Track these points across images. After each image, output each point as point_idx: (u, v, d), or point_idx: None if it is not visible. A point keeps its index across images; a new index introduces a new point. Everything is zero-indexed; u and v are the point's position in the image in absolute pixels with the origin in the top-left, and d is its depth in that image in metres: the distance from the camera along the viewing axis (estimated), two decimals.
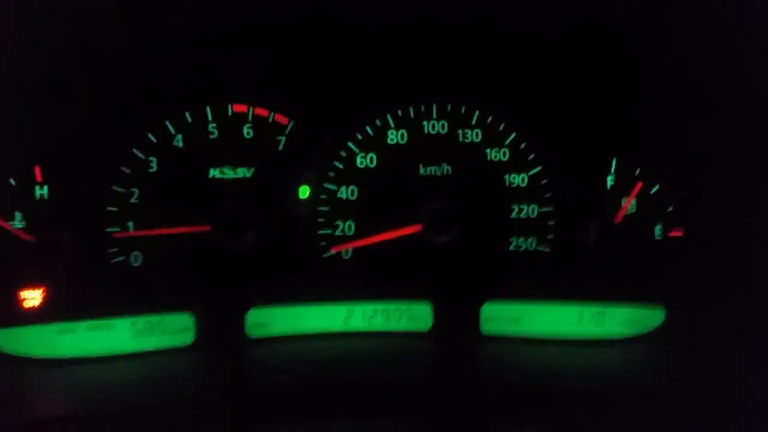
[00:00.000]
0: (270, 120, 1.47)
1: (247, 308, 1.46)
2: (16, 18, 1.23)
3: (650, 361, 1.43)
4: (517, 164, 1.48)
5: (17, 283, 1.39)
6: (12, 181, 1.38)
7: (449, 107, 1.48)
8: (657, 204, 1.46)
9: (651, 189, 1.46)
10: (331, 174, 1.49)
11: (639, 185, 1.46)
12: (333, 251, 1.49)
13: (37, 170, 1.39)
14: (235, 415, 1.23)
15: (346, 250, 1.49)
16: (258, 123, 1.47)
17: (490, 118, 1.48)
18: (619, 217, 1.46)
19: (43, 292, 1.40)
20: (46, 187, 1.40)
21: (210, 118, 1.46)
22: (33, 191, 1.39)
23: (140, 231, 1.43)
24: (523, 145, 1.48)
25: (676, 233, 1.46)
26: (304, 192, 1.48)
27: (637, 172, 1.46)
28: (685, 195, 1.45)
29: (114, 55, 1.38)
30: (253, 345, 1.45)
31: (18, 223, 1.38)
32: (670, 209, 1.46)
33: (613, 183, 1.47)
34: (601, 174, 1.47)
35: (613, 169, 1.47)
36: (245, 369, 1.42)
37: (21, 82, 1.36)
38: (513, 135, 1.48)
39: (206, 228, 1.44)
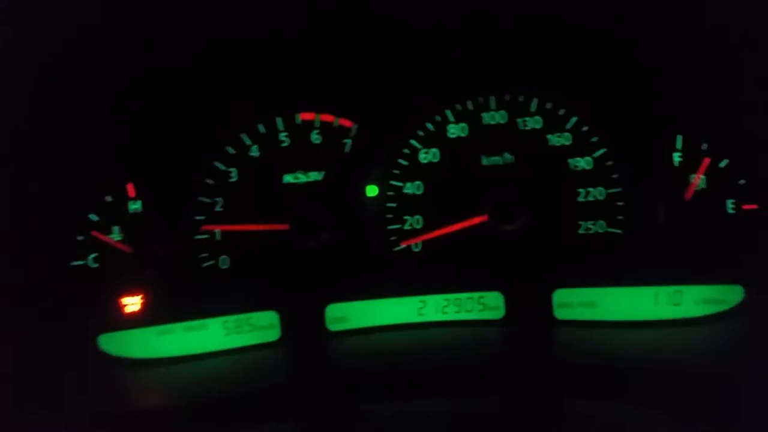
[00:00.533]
0: (335, 125, 1.55)
1: (326, 304, 1.53)
2: (104, 47, 1.35)
3: (730, 340, 1.40)
4: (580, 148, 1.49)
5: (119, 291, 1.51)
6: (108, 198, 1.52)
7: (507, 97, 1.51)
8: (727, 178, 1.43)
9: (720, 163, 1.44)
10: (397, 171, 1.54)
11: (707, 160, 1.44)
12: (402, 245, 1.54)
13: (130, 187, 1.52)
14: (320, 402, 1.30)
15: (416, 243, 1.54)
16: (325, 128, 1.55)
17: (549, 105, 1.50)
18: (689, 194, 1.44)
19: (142, 298, 1.52)
20: (139, 202, 1.52)
21: (281, 127, 1.55)
22: (127, 206, 1.52)
23: (225, 225, 1.53)
24: (585, 129, 1.49)
25: (749, 206, 1.43)
26: (372, 190, 1.55)
27: (704, 147, 1.44)
28: (757, 167, 1.41)
29: (191, 76, 1.49)
30: (334, 338, 1.53)
31: (116, 236, 1.51)
32: (742, 182, 1.43)
33: (680, 159, 1.45)
34: (667, 151, 1.46)
35: (679, 146, 1.45)
36: (328, 360, 1.50)
37: (110, 107, 1.49)
38: (574, 119, 1.49)
39: (284, 228, 1.53)
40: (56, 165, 1.45)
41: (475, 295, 1.52)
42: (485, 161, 1.52)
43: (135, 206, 1.52)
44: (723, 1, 1.31)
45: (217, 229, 1.53)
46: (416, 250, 1.55)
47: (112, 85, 1.46)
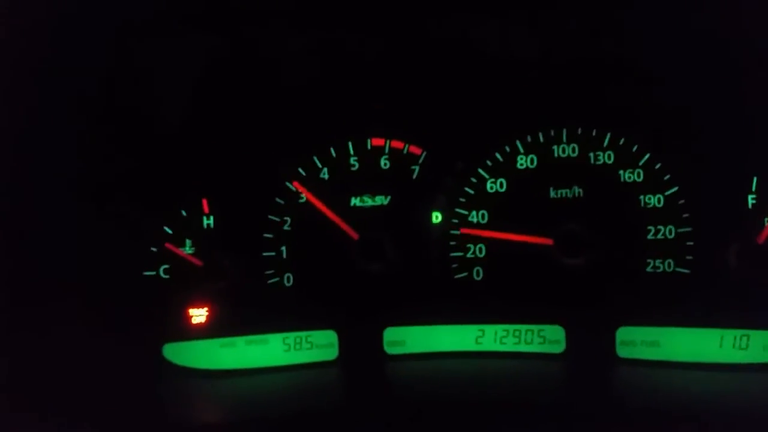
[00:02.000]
0: (405, 151, 1.57)
1: (384, 327, 1.55)
2: (180, 71, 1.42)
3: None
4: (652, 185, 1.47)
5: (187, 302, 1.56)
6: (184, 212, 1.57)
7: (580, 131, 1.51)
8: None
9: None
10: (462, 199, 1.55)
11: None
12: (463, 231, 1.54)
13: (205, 203, 1.57)
14: (374, 427, 1.31)
15: (478, 271, 1.55)
16: (394, 154, 1.57)
17: (622, 140, 1.48)
18: (762, 238, 1.41)
19: (208, 310, 1.56)
20: (212, 218, 1.57)
21: (351, 152, 1.58)
22: (201, 221, 1.57)
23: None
24: (658, 166, 1.47)
25: None
26: (437, 217, 1.56)
27: None
28: None
29: (269, 100, 1.55)
30: (391, 361, 1.54)
31: (188, 249, 1.56)
32: None
33: (754, 202, 1.42)
34: (742, 193, 1.43)
35: (754, 188, 1.42)
36: (384, 383, 1.50)
37: (190, 124, 1.55)
38: (647, 156, 1.48)
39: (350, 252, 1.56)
40: (138, 179, 1.51)
41: (536, 327, 1.51)
42: (553, 194, 1.51)
43: (208, 221, 1.57)
44: None
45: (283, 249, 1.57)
46: (477, 278, 1.55)
47: (196, 104, 1.53)
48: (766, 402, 1.32)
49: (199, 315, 1.56)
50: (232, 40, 1.42)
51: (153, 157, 1.53)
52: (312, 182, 1.58)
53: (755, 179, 1.42)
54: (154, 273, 1.55)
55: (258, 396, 1.45)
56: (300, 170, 1.59)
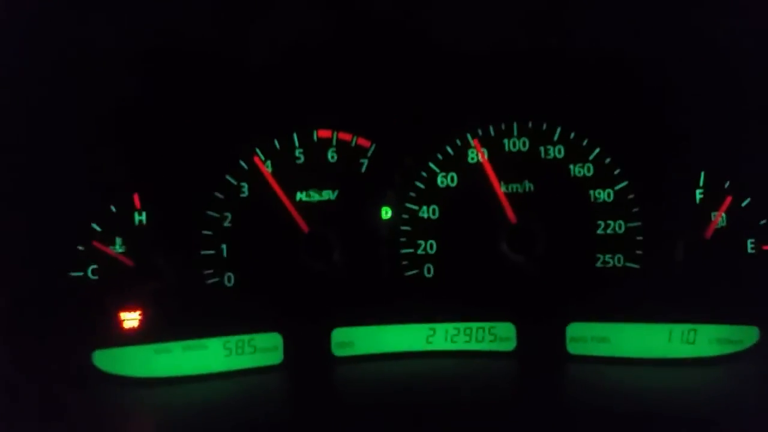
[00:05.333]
0: (353, 144, 1.51)
1: (332, 328, 1.49)
2: (116, 57, 1.31)
3: (743, 382, 1.38)
4: (602, 179, 1.47)
5: (118, 305, 1.45)
6: (113, 208, 1.46)
7: (530, 125, 1.49)
8: (748, 218, 1.41)
9: (742, 202, 1.42)
10: (413, 194, 1.51)
11: (729, 199, 1.42)
12: None
13: (136, 197, 1.47)
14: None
15: (429, 268, 1.50)
16: (341, 147, 1.51)
17: (572, 134, 1.48)
18: (709, 232, 1.42)
19: (141, 313, 1.46)
20: (144, 213, 1.47)
21: (297, 144, 1.51)
22: (132, 217, 1.47)
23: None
24: (608, 160, 1.47)
25: None
26: (387, 213, 1.51)
27: (727, 185, 1.43)
28: None
29: (207, 87, 1.45)
30: (339, 363, 1.48)
31: (118, 247, 1.46)
32: (763, 222, 1.41)
33: (702, 197, 1.44)
34: (690, 188, 1.44)
35: (701, 183, 1.44)
36: (331, 387, 1.45)
37: (120, 114, 1.44)
38: (597, 150, 1.47)
39: (292, 249, 1.49)
40: (61, 173, 1.39)
41: (486, 325, 1.49)
42: (504, 188, 1.49)
43: (140, 218, 1.47)
44: (749, 41, 1.31)
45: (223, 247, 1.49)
46: (428, 276, 1.51)
47: (121, 93, 1.42)
48: (712, 397, 1.33)
49: (131, 319, 1.46)
50: (167, 26, 1.32)
51: (79, 149, 1.41)
52: (255, 175, 1.50)
53: (703, 174, 1.44)
54: (81, 274, 1.44)
55: (197, 405, 1.36)
56: (242, 163, 1.50)
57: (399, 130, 1.50)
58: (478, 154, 1.50)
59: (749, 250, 1.42)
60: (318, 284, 1.50)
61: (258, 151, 1.50)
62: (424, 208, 1.51)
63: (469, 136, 1.50)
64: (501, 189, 1.48)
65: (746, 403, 1.30)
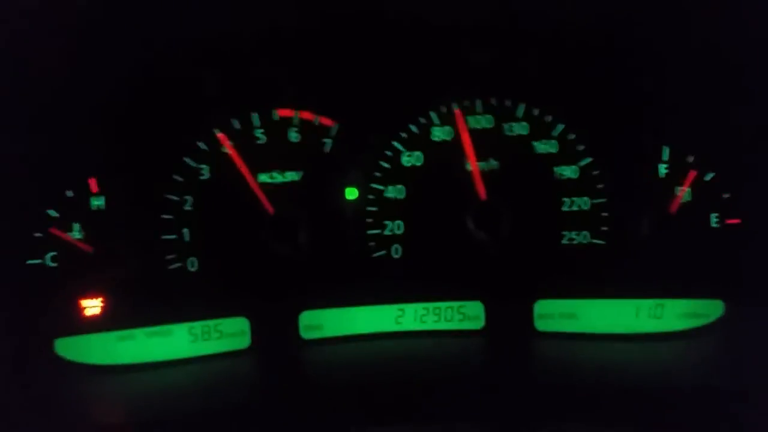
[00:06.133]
0: (315, 123, 1.48)
1: (300, 311, 1.47)
2: (62, 37, 1.26)
3: (709, 355, 1.39)
4: (566, 156, 1.46)
5: (78, 293, 1.42)
6: (69, 193, 1.42)
7: (494, 101, 1.47)
8: (713, 192, 1.42)
9: (705, 176, 1.42)
10: (378, 174, 1.49)
11: (693, 173, 1.42)
12: None
13: (93, 182, 1.43)
14: (291, 416, 1.24)
15: (396, 249, 1.49)
16: (304, 126, 1.48)
17: (536, 111, 1.46)
18: (673, 207, 1.43)
19: (103, 300, 1.43)
20: (102, 198, 1.43)
21: (257, 123, 1.47)
22: (89, 202, 1.43)
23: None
24: (572, 137, 1.46)
25: (733, 221, 1.42)
26: (352, 193, 1.49)
27: (690, 159, 1.43)
28: (742, 181, 1.40)
29: (162, 66, 1.41)
30: (308, 346, 1.46)
31: (77, 233, 1.42)
32: (727, 196, 1.42)
33: (666, 172, 1.44)
34: (654, 162, 1.44)
35: (665, 158, 1.43)
36: (300, 370, 1.43)
37: (72, 96, 1.39)
38: (561, 126, 1.46)
39: (257, 232, 1.46)
40: (13, 158, 1.35)
41: (455, 304, 1.48)
42: (468, 166, 1.47)
43: (98, 203, 1.43)
44: (711, 14, 1.30)
45: (185, 231, 1.46)
46: (396, 256, 1.49)
47: (73, 75, 1.37)
48: (679, 371, 1.35)
49: (92, 306, 1.43)
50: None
51: (31, 132, 1.37)
52: (215, 157, 1.46)
53: (666, 149, 1.43)
54: (39, 261, 1.40)
55: (163, 392, 1.34)
56: (200, 144, 1.46)
57: (362, 109, 1.47)
58: (445, 132, 1.48)
59: (713, 224, 1.42)
60: (284, 267, 1.47)
61: (217, 131, 1.47)
62: (390, 187, 1.49)
63: (432, 114, 1.48)
64: (475, 166, 1.46)
65: (712, 376, 1.32)
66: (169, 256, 1.45)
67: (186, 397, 1.32)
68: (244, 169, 1.45)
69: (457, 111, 1.47)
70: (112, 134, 1.43)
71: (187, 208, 1.45)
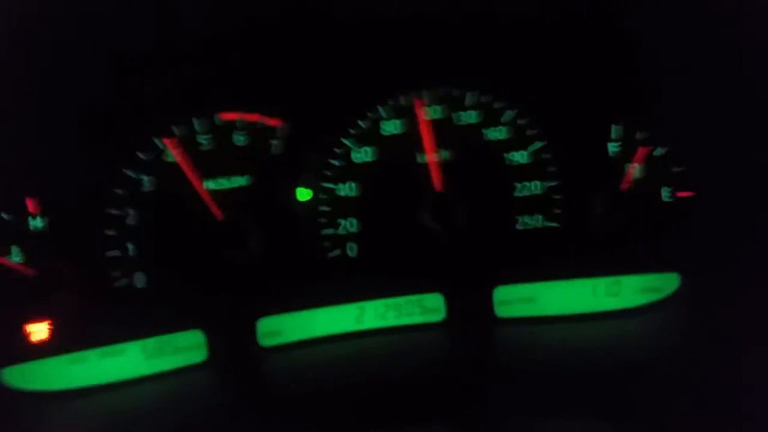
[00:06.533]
0: (260, 125, 1.44)
1: (257, 318, 1.43)
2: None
3: (667, 330, 1.41)
4: (517, 142, 1.45)
5: (22, 318, 1.36)
6: (5, 215, 1.35)
7: (441, 92, 1.45)
8: (663, 167, 1.43)
9: (655, 151, 1.43)
10: (329, 173, 1.46)
11: (642, 149, 1.43)
12: None
13: (29, 202, 1.36)
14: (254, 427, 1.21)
15: (352, 247, 1.46)
16: (248, 129, 1.43)
17: (485, 98, 1.45)
18: (625, 184, 1.43)
19: (49, 323, 1.37)
20: (39, 218, 1.37)
21: (199, 129, 1.42)
22: (27, 223, 1.36)
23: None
24: (521, 122, 1.45)
25: (685, 194, 1.43)
26: (304, 194, 1.45)
27: (639, 136, 1.43)
28: (692, 154, 1.41)
29: (95, 75, 1.35)
30: (268, 354, 1.43)
31: (15, 257, 1.36)
32: (677, 170, 1.43)
33: (615, 150, 1.44)
34: (603, 141, 1.44)
35: (614, 136, 1.44)
36: (261, 380, 1.40)
37: (9, 114, 1.32)
38: (510, 113, 1.45)
39: (206, 241, 1.41)
40: None
41: (414, 298, 1.46)
42: (420, 159, 1.45)
43: (36, 223, 1.36)
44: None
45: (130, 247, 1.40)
46: (352, 255, 1.47)
47: (12, 91, 1.31)
48: (639, 347, 1.37)
49: (39, 330, 1.37)
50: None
51: None
52: (156, 166, 1.41)
53: (614, 127, 1.43)
54: None
55: (121, 413, 1.31)
56: (139, 154, 1.40)
57: (308, 107, 1.43)
58: (395, 125, 1.46)
59: (665, 199, 1.44)
60: (237, 274, 1.43)
61: (156, 140, 1.41)
62: (342, 186, 1.45)
63: (380, 108, 1.45)
64: (433, 157, 1.44)
65: (671, 348, 1.34)
66: (114, 274, 1.40)
67: (145, 417, 1.28)
68: (190, 175, 1.40)
69: (416, 101, 1.44)
70: (45, 150, 1.36)
71: (130, 222, 1.40)
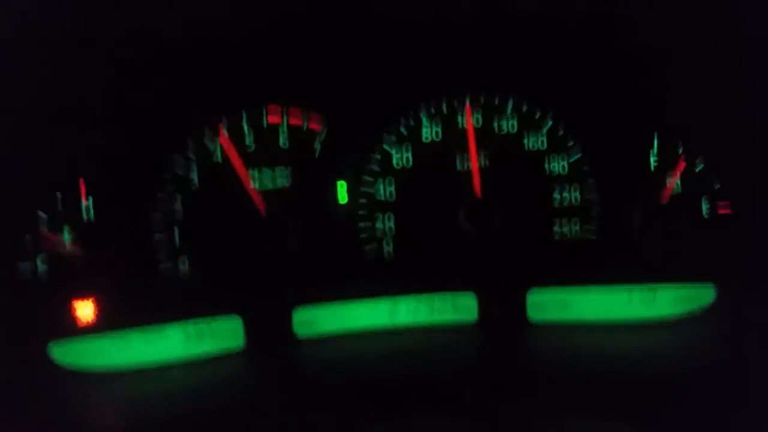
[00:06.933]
0: (304, 128, 1.47)
1: (293, 308, 1.46)
2: (47, 38, 1.25)
3: (701, 342, 1.40)
4: (556, 151, 1.46)
5: (70, 296, 1.40)
6: (58, 194, 1.40)
7: (482, 99, 1.47)
8: (703, 181, 1.43)
9: (695, 166, 1.43)
10: (369, 177, 1.48)
11: (683, 164, 1.43)
12: None
13: (82, 183, 1.41)
14: (289, 415, 1.24)
15: (388, 247, 1.49)
16: (293, 131, 1.47)
17: (525, 107, 1.46)
18: (664, 198, 1.43)
19: (95, 303, 1.42)
20: (91, 200, 1.42)
21: (246, 131, 1.46)
22: (79, 204, 1.41)
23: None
24: (561, 132, 1.46)
25: (724, 211, 1.43)
26: (343, 196, 1.48)
27: (680, 150, 1.43)
28: (732, 170, 1.41)
29: (151, 71, 1.40)
30: (302, 344, 1.46)
31: (66, 236, 1.41)
32: (717, 186, 1.43)
33: (656, 163, 1.44)
34: (644, 155, 1.45)
35: (655, 150, 1.44)
36: (296, 367, 1.43)
37: (60, 98, 1.38)
38: (550, 122, 1.46)
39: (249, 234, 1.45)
40: (3, 160, 1.33)
41: (448, 296, 1.48)
42: (460, 164, 1.47)
43: (87, 203, 1.41)
44: (700, 3, 1.30)
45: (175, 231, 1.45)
46: (388, 253, 1.49)
47: (60, 77, 1.35)
48: (672, 358, 1.36)
49: (85, 307, 1.41)
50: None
51: (21, 135, 1.35)
52: (205, 163, 1.45)
53: (655, 140, 1.44)
54: (29, 263, 1.38)
55: (160, 394, 1.33)
56: (190, 143, 1.45)
57: (351, 112, 1.46)
58: (435, 131, 1.48)
59: (704, 214, 1.44)
60: (276, 267, 1.47)
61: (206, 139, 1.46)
62: (381, 189, 1.48)
63: (421, 114, 1.48)
64: (476, 163, 1.45)
65: (705, 360, 1.34)
66: (160, 256, 1.44)
67: (183, 398, 1.31)
68: (237, 172, 1.44)
69: (466, 107, 1.46)
70: (101, 136, 1.41)
71: (177, 208, 1.44)
